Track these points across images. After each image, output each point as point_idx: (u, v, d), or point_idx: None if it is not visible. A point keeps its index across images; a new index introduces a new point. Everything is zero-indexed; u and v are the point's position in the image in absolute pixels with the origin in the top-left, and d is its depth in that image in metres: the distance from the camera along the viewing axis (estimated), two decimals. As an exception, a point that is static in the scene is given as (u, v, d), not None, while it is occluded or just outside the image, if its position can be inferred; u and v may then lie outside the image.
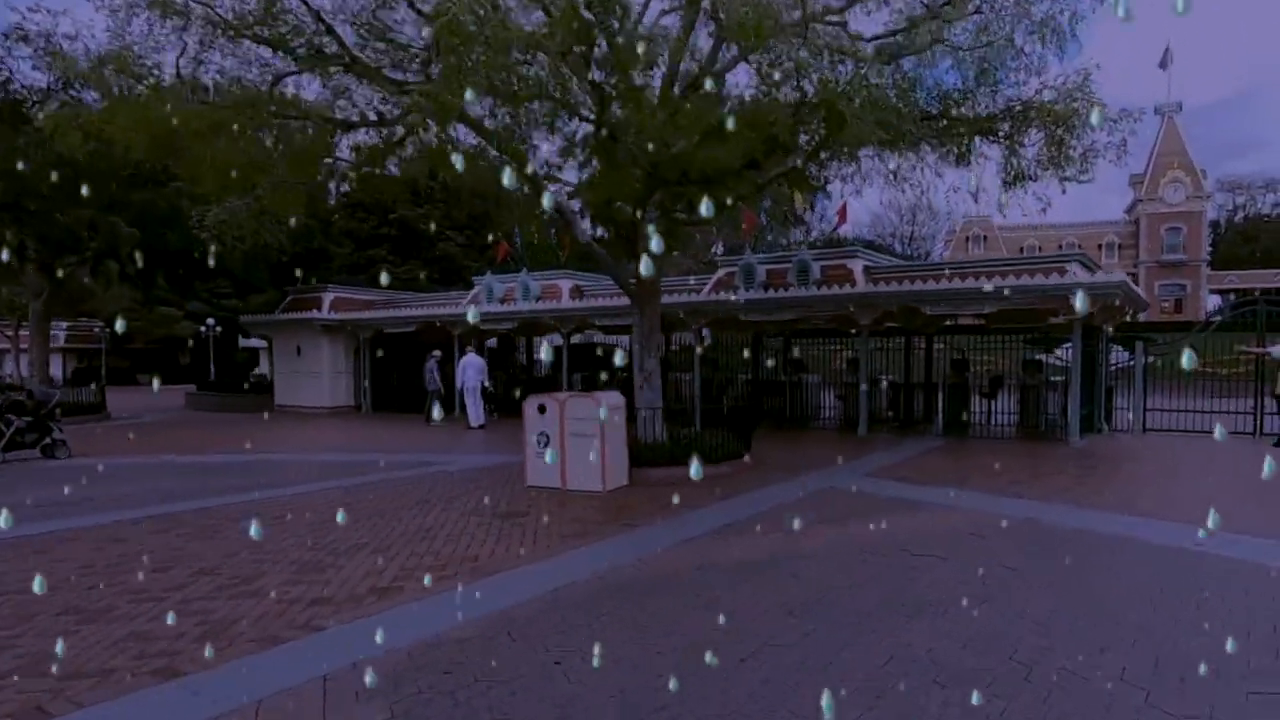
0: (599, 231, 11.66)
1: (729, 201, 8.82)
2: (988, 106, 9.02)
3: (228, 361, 36.80)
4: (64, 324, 41.97)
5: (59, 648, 4.29)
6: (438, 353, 18.72)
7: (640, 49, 7.34)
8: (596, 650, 4.26)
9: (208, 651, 4.27)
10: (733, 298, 15.57)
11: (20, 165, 14.70)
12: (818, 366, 19.01)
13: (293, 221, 10.79)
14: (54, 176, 13.38)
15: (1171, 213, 55.46)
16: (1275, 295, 16.45)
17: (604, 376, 18.80)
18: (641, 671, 4.01)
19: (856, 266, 15.43)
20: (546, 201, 7.69)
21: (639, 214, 9.29)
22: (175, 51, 8.11)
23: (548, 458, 9.17)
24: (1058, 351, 17.36)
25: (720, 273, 17.48)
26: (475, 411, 17.00)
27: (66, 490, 9.52)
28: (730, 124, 7.35)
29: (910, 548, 6.44)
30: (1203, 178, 55.90)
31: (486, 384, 17.48)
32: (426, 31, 7.11)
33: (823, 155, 9.18)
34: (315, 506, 8.50)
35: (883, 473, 10.49)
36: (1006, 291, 12.63)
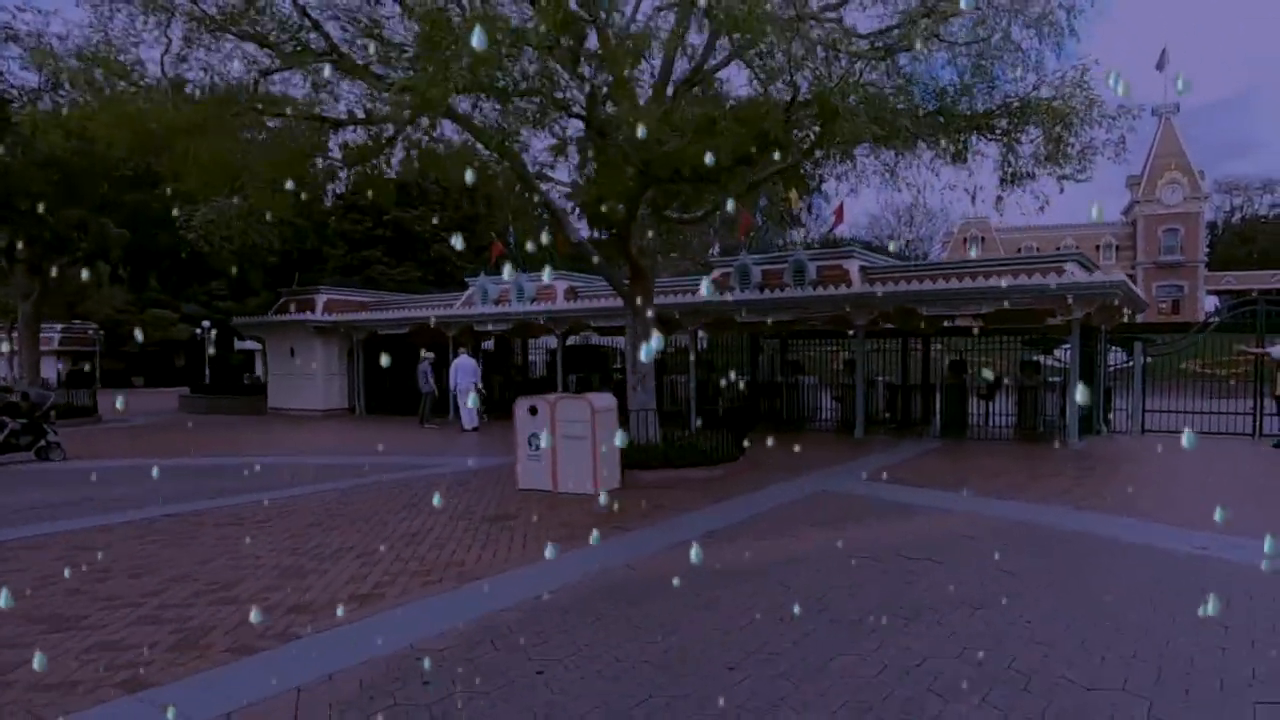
0: (593, 232, 11.54)
1: (722, 200, 8.69)
2: (984, 103, 8.90)
3: (223, 364, 36.65)
4: (58, 326, 41.74)
5: (23, 659, 4.14)
6: (431, 354, 18.56)
7: (630, 43, 7.20)
8: (581, 659, 4.13)
9: (177, 662, 4.12)
10: (728, 298, 15.44)
11: (7, 164, 14.54)
12: (815, 368, 18.88)
13: (284, 222, 10.66)
14: (42, 176, 13.23)
15: (1169, 214, 55.45)
16: (1274, 296, 16.34)
17: (597, 379, 18.65)
18: (626, 681, 3.87)
19: (853, 267, 15.32)
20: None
21: (632, 213, 9.15)
22: (159, 48, 7.98)
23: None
24: (1056, 352, 17.25)
25: (716, 273, 17.36)
26: (468, 414, 16.85)
27: (51, 494, 9.37)
28: (721, 120, 7.22)
29: (906, 552, 6.30)
30: (1200, 179, 55.90)
31: (479, 386, 17.32)
32: (414, 27, 6.98)
33: (817, 153, 9.05)
34: (302, 510, 8.35)
35: (879, 475, 10.36)
36: (1004, 284, 12.52)
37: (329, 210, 32.79)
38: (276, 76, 9.42)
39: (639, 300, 10.44)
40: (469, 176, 9.62)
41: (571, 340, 21.57)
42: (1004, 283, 12.97)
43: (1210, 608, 4.85)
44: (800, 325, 17.21)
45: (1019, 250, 58.20)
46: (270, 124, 9.41)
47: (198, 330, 37.31)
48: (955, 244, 61.83)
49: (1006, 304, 12.85)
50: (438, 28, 5.96)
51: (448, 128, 9.22)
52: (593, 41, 7.69)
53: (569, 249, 11.88)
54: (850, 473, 10.58)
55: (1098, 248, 57.43)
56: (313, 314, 22.31)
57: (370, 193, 10.91)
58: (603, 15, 7.13)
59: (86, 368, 32.21)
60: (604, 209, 9.12)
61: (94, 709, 3.63)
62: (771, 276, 15.85)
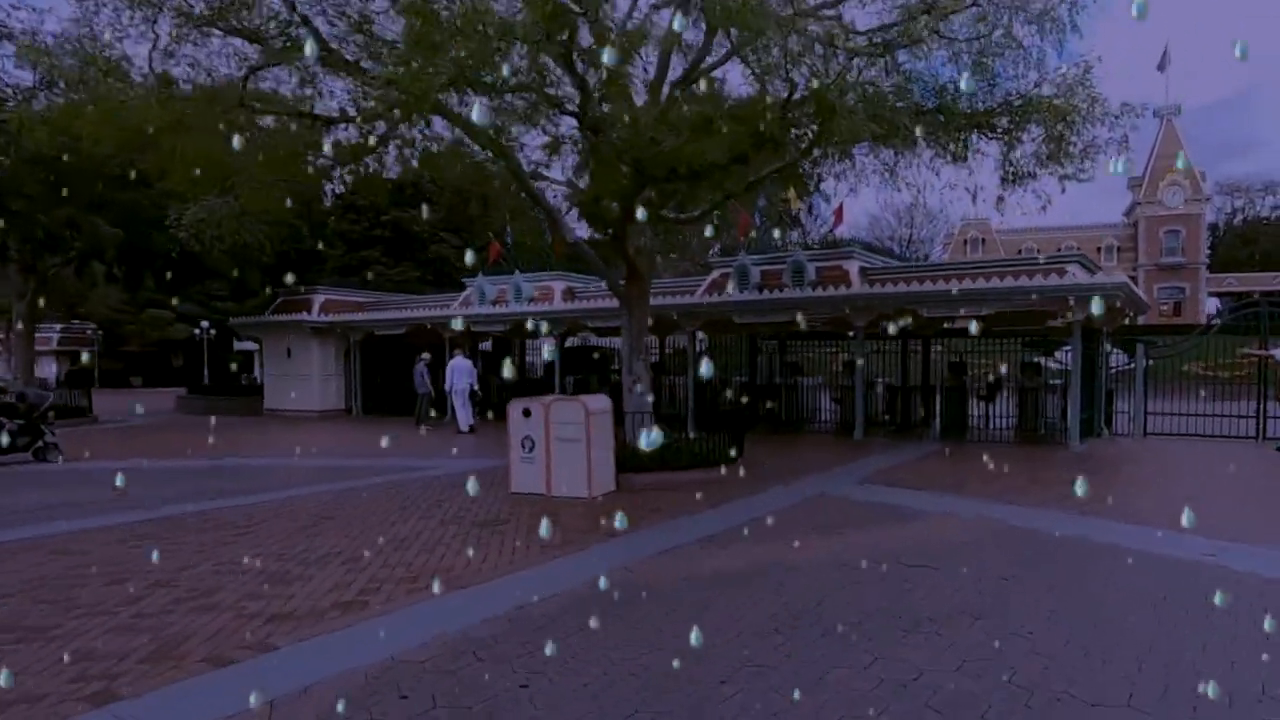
0: (592, 233, 11.41)
1: (719, 199, 8.55)
2: (985, 101, 8.76)
3: (221, 364, 36.54)
4: (57, 326, 41.73)
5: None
6: (427, 355, 18.44)
7: (623, 39, 7.07)
8: (567, 671, 3.99)
9: (151, 673, 3.99)
10: (726, 299, 15.32)
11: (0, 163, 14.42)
12: (814, 369, 18.75)
13: (281, 222, 10.52)
14: (34, 175, 13.10)
15: (1170, 215, 55.28)
16: (1277, 297, 16.20)
17: (595, 380, 18.51)
18: (612, 695, 3.73)
19: (852, 267, 15.18)
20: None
21: (628, 212, 9.02)
22: (146, 44, 7.85)
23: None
24: (1057, 354, 17.11)
25: (715, 274, 17.22)
26: (464, 415, 16.73)
27: (44, 496, 9.25)
28: (718, 118, 7.09)
29: (905, 558, 6.16)
30: (1201, 180, 55.73)
31: (475, 388, 17.19)
32: (402, 21, 6.85)
33: (815, 152, 8.92)
34: (291, 513, 8.22)
35: (878, 478, 10.22)
36: (1006, 286, 12.38)
37: (328, 210, 32.68)
38: (267, 75, 9.30)
39: (635, 301, 10.31)
40: (463, 175, 9.48)
41: (570, 342, 21.45)
42: (1005, 284, 12.84)
43: (1217, 618, 4.71)
44: (799, 326, 17.08)
45: (1020, 251, 57.98)
46: (261, 123, 9.29)
47: (196, 330, 37.21)
48: (955, 245, 61.67)
49: (1008, 306, 12.73)
50: (425, 20, 5.82)
51: (443, 126, 9.08)
52: (587, 38, 7.56)
53: (566, 249, 11.75)
54: (849, 475, 10.44)
55: (1099, 249, 57.27)
56: (309, 314, 22.19)
57: (365, 191, 10.78)
58: (595, 10, 6.97)
59: (85, 357, 32.13)
60: (600, 208, 8.99)
61: (58, 724, 3.50)
62: (771, 277, 15.71)
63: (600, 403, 9.28)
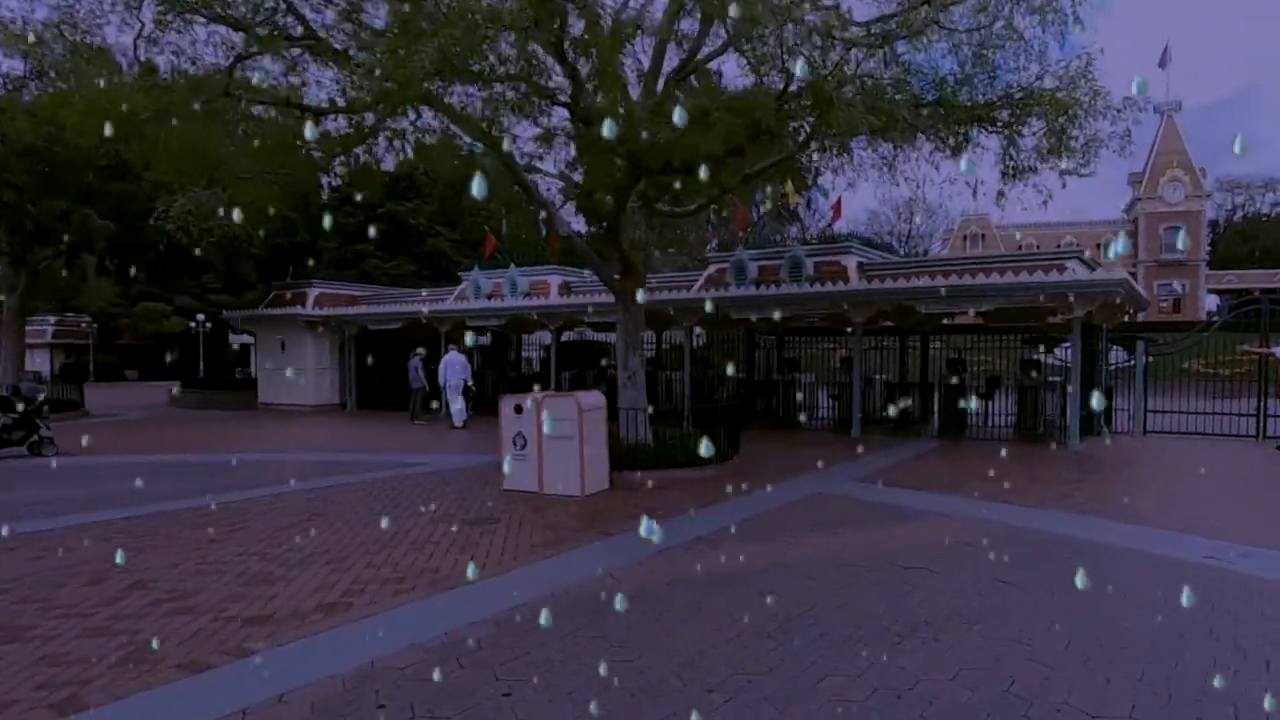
0: (589, 227, 11.25)
1: (715, 191, 8.40)
2: (985, 93, 8.60)
3: (217, 358, 36.38)
4: (51, 319, 41.49)
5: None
6: (421, 350, 18.30)
7: (616, 27, 6.91)
8: (552, 678, 3.87)
9: (122, 679, 3.86)
10: (724, 294, 15.18)
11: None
12: (811, 365, 18.62)
13: (275, 215, 10.35)
14: (23, 166, 12.92)
15: (1171, 212, 55.12)
16: (1277, 295, 16.08)
17: (591, 375, 18.37)
18: (598, 704, 3.61)
19: (851, 263, 15.04)
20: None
21: (621, 205, 8.87)
22: (130, 32, 7.68)
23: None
24: (1056, 351, 16.99)
25: (711, 269, 17.07)
26: (458, 411, 16.60)
27: (30, 492, 9.11)
28: (714, 110, 6.93)
29: (901, 559, 6.05)
30: (1202, 177, 55.57)
31: (469, 383, 17.06)
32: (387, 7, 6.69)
33: (813, 145, 8.76)
34: (279, 511, 8.09)
35: (875, 477, 10.10)
36: (1005, 281, 12.25)
37: (324, 203, 32.49)
38: (256, 65, 9.12)
39: (630, 296, 10.16)
40: (455, 168, 9.32)
41: (566, 336, 21.31)
42: (1005, 280, 12.71)
43: (1220, 623, 4.60)
44: (797, 322, 16.95)
45: (1019, 247, 57.86)
46: (248, 111, 9.12)
47: (192, 324, 37.02)
48: (955, 240, 61.53)
49: (1007, 302, 12.60)
50: (414, 3, 5.66)
51: (434, 118, 8.91)
52: (579, 28, 7.40)
53: (561, 245, 11.60)
54: (846, 474, 10.32)
55: (1099, 245, 57.09)
56: (304, 308, 22.02)
57: (358, 184, 10.64)
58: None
59: (71, 359, 31.96)
60: (594, 201, 8.84)
61: (21, 734, 3.37)
62: (768, 272, 15.57)
63: (593, 399, 9.15)
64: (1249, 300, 16.21)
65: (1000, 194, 9.75)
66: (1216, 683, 3.78)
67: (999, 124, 9.03)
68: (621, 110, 7.00)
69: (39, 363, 37.66)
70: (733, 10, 6.29)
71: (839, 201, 16.42)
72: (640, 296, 9.69)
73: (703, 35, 8.75)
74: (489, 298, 19.42)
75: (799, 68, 7.27)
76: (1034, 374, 15.05)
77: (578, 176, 10.37)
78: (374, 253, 31.83)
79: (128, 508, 8.23)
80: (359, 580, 5.58)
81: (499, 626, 4.62)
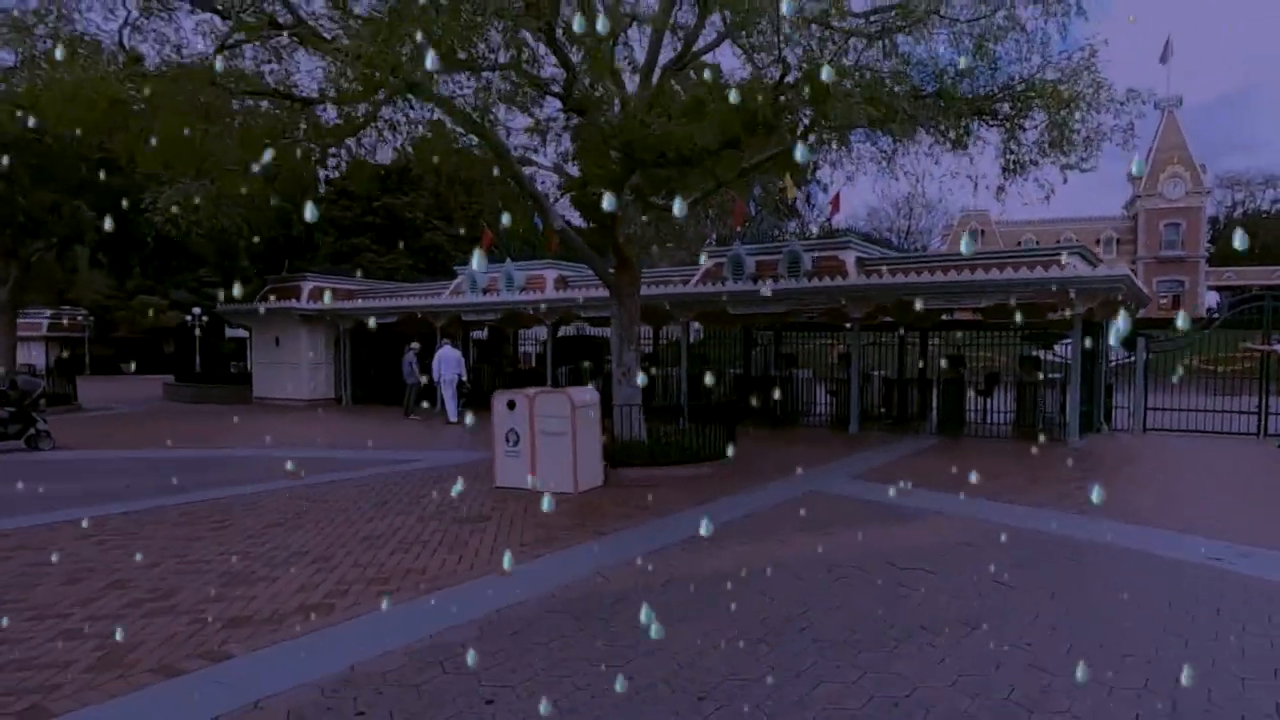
0: (587, 222, 11.10)
1: (710, 185, 8.25)
2: (987, 85, 8.44)
3: (213, 352, 36.19)
4: (47, 312, 41.27)
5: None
6: (416, 345, 18.15)
7: (610, 13, 6.75)
8: (537, 685, 3.75)
9: (92, 685, 3.74)
10: (720, 290, 15.04)
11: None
12: (809, 361, 18.49)
13: (271, 207, 10.18)
14: (13, 157, 12.74)
15: (1171, 208, 54.98)
16: (1278, 291, 15.95)
17: (588, 370, 18.21)
18: (583, 714, 3.48)
19: (849, 258, 14.90)
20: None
21: (616, 198, 8.71)
22: (115, 21, 7.51)
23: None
24: (1056, 348, 16.87)
25: (709, 263, 16.92)
26: (452, 406, 16.47)
27: (19, 487, 8.97)
28: (708, 100, 6.78)
29: (898, 560, 5.92)
30: (1202, 173, 55.40)
31: (464, 378, 16.92)
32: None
33: (811, 138, 8.61)
34: (266, 508, 7.96)
35: (872, 475, 9.98)
36: (1006, 277, 12.11)
37: (321, 196, 32.25)
38: (244, 55, 8.95)
39: (626, 291, 10.02)
40: (447, 160, 9.16)
41: (563, 331, 21.17)
42: (1005, 276, 12.57)
43: (1224, 628, 4.48)
44: (794, 317, 16.82)
45: (1019, 243, 57.68)
46: (239, 105, 8.95)
47: (188, 317, 36.81)
48: (954, 236, 61.31)
49: (1009, 298, 12.46)
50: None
51: (425, 109, 8.74)
52: (570, 16, 7.24)
53: (557, 239, 11.44)
54: (843, 471, 10.20)
55: (1098, 241, 56.97)
56: (298, 302, 21.83)
57: (352, 177, 10.49)
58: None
59: (65, 354, 31.74)
60: (588, 194, 8.68)
61: (-17, 744, 3.25)
62: (766, 267, 15.42)
63: (587, 395, 9.01)
64: (1251, 297, 16.08)
65: (1001, 189, 9.60)
66: (1223, 691, 3.66)
67: (1000, 117, 8.88)
68: (616, 101, 6.85)
69: (34, 356, 37.45)
70: (730, 5, 6.13)
71: (838, 196, 16.26)
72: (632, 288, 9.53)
73: (699, 26, 8.58)
74: (485, 292, 19.27)
75: (796, 57, 7.12)
76: (1034, 370, 14.93)
77: (573, 170, 10.24)
78: (370, 246, 31.63)
79: (113, 504, 8.09)
80: (343, 581, 5.45)
81: (484, 630, 4.49)
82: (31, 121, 7.87)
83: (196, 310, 36.48)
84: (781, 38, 6.91)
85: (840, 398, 16.06)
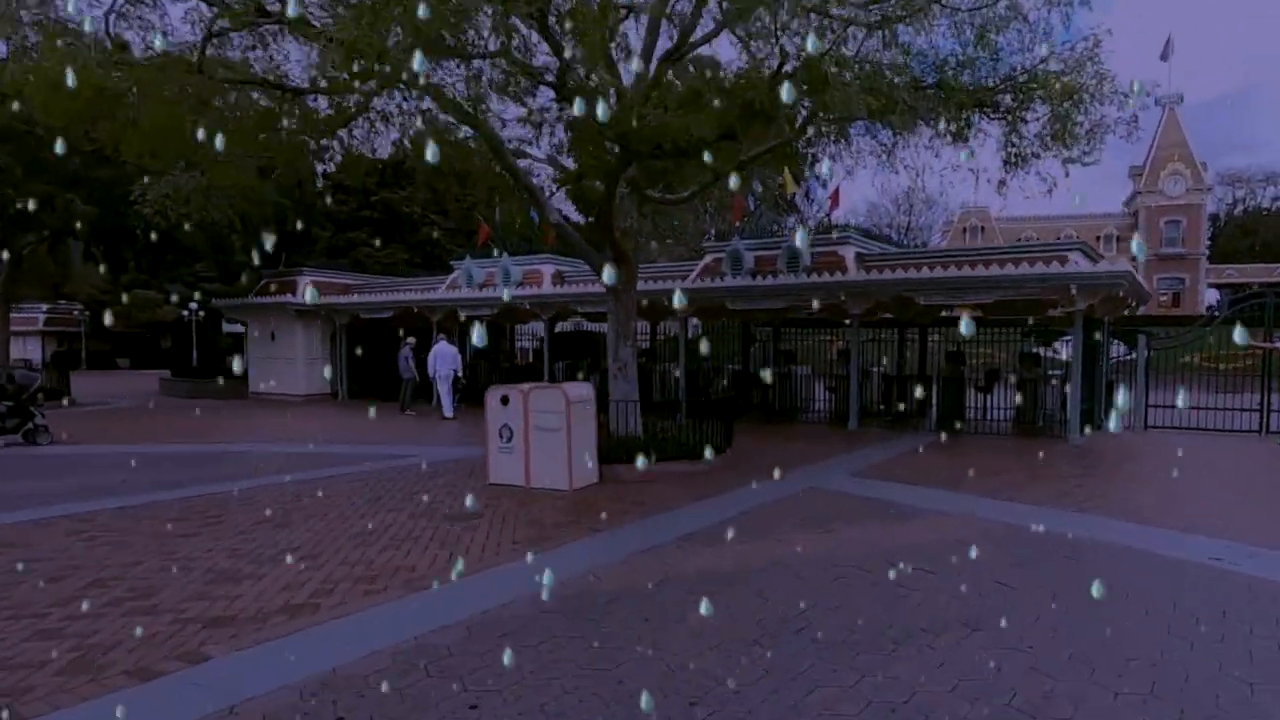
0: (585, 217, 10.97)
1: (707, 177, 8.12)
2: (988, 76, 8.30)
3: (210, 347, 36.01)
4: (43, 306, 41.05)
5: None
6: (411, 340, 18.01)
7: (603, 2, 6.60)
8: (524, 689, 3.63)
9: (64, 688, 3.62)
10: (719, 284, 14.91)
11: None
12: (808, 357, 18.37)
13: (253, 198, 10.05)
14: (3, 149, 12.58)
15: (1171, 205, 54.81)
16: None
17: (585, 365, 18.08)
18: (570, 718, 3.37)
19: (849, 253, 14.76)
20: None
21: (611, 191, 8.58)
22: (100, 7, 7.37)
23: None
24: (1056, 344, 16.75)
25: (707, 258, 16.78)
26: (448, 401, 16.35)
27: (9, 484, 8.86)
28: (704, 90, 6.64)
29: (897, 560, 5.80)
30: (1203, 170, 55.23)
31: (459, 373, 16.80)
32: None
33: (809, 130, 8.48)
34: (256, 504, 7.84)
35: (871, 471, 9.87)
36: (1007, 273, 11.98)
37: (317, 190, 32.05)
38: (233, 45, 8.81)
39: (622, 286, 9.89)
40: (437, 150, 9.00)
41: (561, 326, 21.02)
42: (1005, 272, 12.45)
43: (1229, 630, 4.37)
44: (794, 313, 16.69)
45: (1019, 239, 57.53)
46: (230, 95, 8.81)
47: (184, 312, 36.63)
48: (955, 233, 61.19)
49: (1009, 294, 12.34)
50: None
51: (416, 99, 8.61)
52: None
53: (554, 234, 11.31)
54: (842, 468, 10.09)
55: (1099, 238, 56.81)
56: (294, 296, 21.68)
57: (346, 171, 10.35)
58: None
59: (63, 347, 31.57)
60: (584, 187, 8.55)
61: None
62: (765, 263, 15.28)
63: (582, 390, 8.89)
64: (1253, 294, 15.96)
65: (1002, 183, 9.48)
66: (1230, 698, 3.55)
67: (1001, 109, 8.75)
68: (611, 91, 6.71)
69: (30, 350, 37.26)
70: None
71: (837, 191, 16.07)
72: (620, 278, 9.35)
73: (696, 16, 8.43)
74: (481, 287, 19.13)
75: (794, 46, 6.97)
76: (1034, 367, 14.82)
77: (568, 162, 10.09)
78: (367, 241, 31.47)
79: (108, 499, 7.98)
80: (330, 579, 5.33)
81: (472, 631, 4.38)
82: (16, 106, 7.69)
83: (193, 305, 36.32)
84: (779, 25, 6.77)
85: (839, 394, 15.95)
